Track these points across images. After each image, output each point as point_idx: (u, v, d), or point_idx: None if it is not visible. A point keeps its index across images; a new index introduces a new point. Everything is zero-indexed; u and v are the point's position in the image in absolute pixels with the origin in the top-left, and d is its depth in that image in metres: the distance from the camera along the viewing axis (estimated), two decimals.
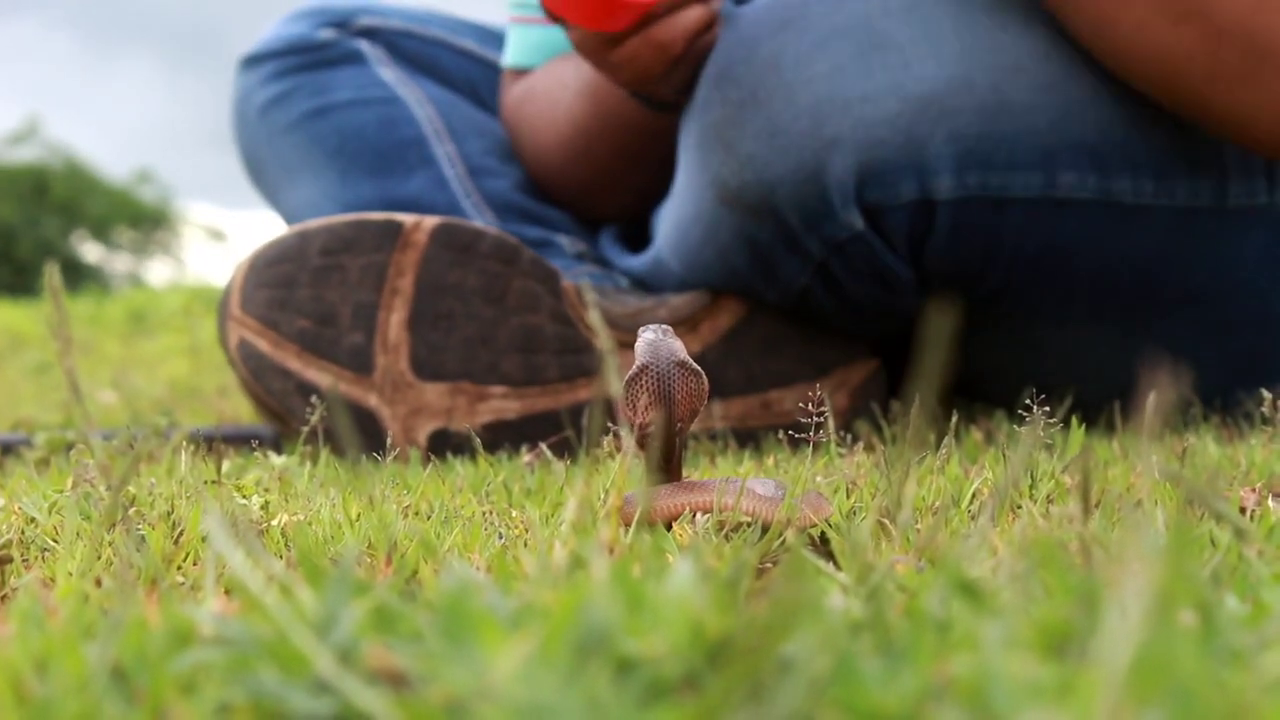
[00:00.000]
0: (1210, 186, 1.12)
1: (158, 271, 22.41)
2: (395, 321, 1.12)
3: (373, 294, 1.12)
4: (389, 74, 1.43)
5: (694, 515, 0.65)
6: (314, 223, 1.14)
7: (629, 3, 1.02)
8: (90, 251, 21.80)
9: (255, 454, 0.89)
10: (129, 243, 22.43)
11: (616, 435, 0.80)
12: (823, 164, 1.04)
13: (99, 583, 0.53)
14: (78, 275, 19.45)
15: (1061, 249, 1.10)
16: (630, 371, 0.67)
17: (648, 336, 0.68)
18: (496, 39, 1.55)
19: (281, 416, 1.15)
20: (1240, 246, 1.15)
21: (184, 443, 0.90)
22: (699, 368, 0.67)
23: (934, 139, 1.01)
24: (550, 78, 1.34)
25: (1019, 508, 0.67)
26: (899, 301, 1.14)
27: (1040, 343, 1.21)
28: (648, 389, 0.66)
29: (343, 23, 1.44)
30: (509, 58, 1.38)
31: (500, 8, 1.45)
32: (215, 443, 0.90)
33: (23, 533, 0.65)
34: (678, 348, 0.67)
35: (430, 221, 1.14)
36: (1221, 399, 1.16)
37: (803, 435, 0.78)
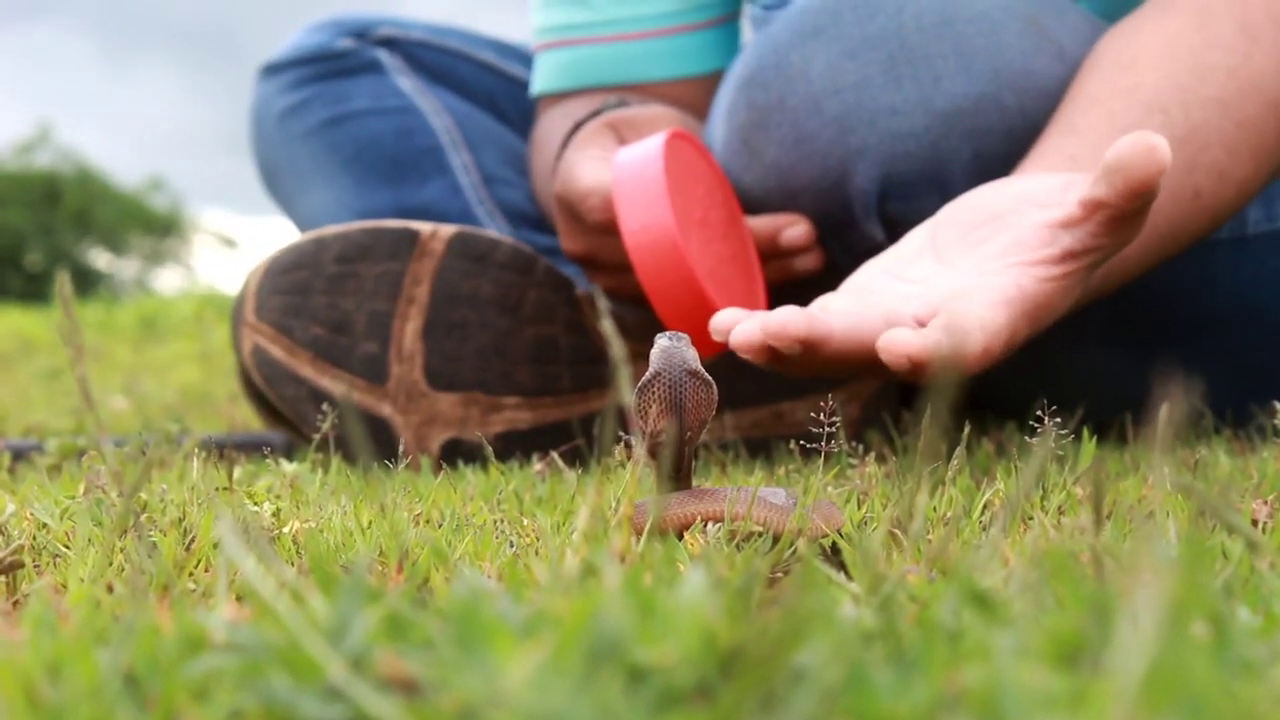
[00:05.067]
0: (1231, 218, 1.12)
1: (167, 279, 22.48)
2: (410, 331, 1.12)
3: (388, 302, 1.12)
4: (407, 84, 1.43)
5: (705, 524, 0.65)
6: (330, 229, 1.14)
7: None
8: (100, 258, 21.86)
9: (267, 461, 0.89)
10: (140, 250, 22.49)
11: (628, 444, 0.80)
12: (846, 174, 1.03)
13: (111, 589, 0.53)
14: (88, 281, 19.52)
15: None
16: (642, 379, 0.67)
17: (662, 343, 0.68)
18: (516, 54, 1.55)
19: (291, 423, 1.15)
20: (1258, 272, 1.14)
21: (195, 449, 0.90)
22: (710, 378, 0.67)
23: (959, 156, 1.01)
24: (550, 133, 1.33)
25: (1031, 519, 0.67)
26: None
27: (1053, 362, 1.21)
28: (658, 396, 0.66)
29: (362, 33, 1.45)
30: (536, 85, 1.37)
31: (519, 26, 1.44)
32: (227, 449, 0.90)
33: (34, 539, 0.65)
34: (691, 356, 0.67)
35: (447, 230, 1.14)
36: (1234, 412, 1.16)
37: (814, 445, 0.78)
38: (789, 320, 0.77)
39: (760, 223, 1.10)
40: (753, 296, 1.09)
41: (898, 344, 0.75)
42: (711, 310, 0.99)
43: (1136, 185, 0.76)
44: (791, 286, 1.15)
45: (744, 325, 0.81)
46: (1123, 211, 0.79)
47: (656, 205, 0.98)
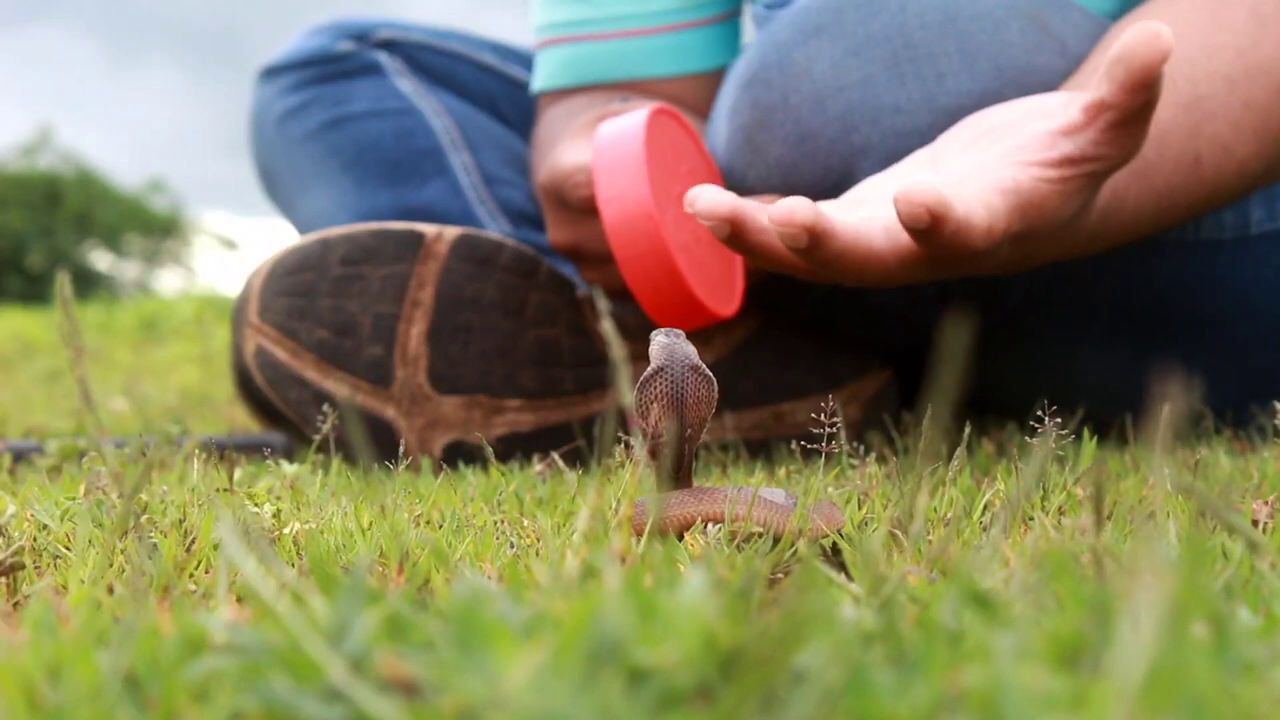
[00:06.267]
0: (1234, 217, 1.12)
1: (167, 280, 22.50)
2: (415, 334, 1.12)
3: (393, 306, 1.12)
4: (407, 85, 1.43)
5: (705, 525, 0.65)
6: (335, 231, 1.13)
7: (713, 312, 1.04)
8: (100, 259, 21.87)
9: (267, 462, 0.89)
10: (139, 251, 22.51)
11: (628, 445, 0.80)
12: (850, 172, 1.03)
13: (111, 590, 0.53)
14: (88, 283, 19.54)
15: (1080, 274, 1.10)
16: (644, 374, 0.67)
17: (661, 340, 0.68)
18: (516, 55, 1.55)
19: (289, 423, 1.15)
20: (1260, 271, 1.14)
21: (196, 450, 0.90)
22: (710, 374, 0.68)
23: None
24: (550, 129, 1.33)
25: (1031, 519, 0.67)
26: (918, 312, 1.13)
27: (1055, 361, 1.21)
28: (661, 392, 0.66)
29: (362, 35, 1.45)
30: (537, 83, 1.37)
31: (519, 28, 1.44)
32: (227, 451, 0.90)
33: (35, 540, 0.65)
34: (691, 352, 0.67)
35: (451, 232, 1.14)
36: (1234, 412, 1.16)
37: (815, 446, 0.78)
38: (796, 208, 0.76)
39: None
40: (729, 279, 1.09)
41: (916, 193, 0.74)
42: (683, 286, 0.99)
43: (1140, 74, 0.76)
44: (773, 278, 1.15)
45: (713, 193, 0.80)
46: (1126, 110, 0.78)
47: (633, 174, 0.98)
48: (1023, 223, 0.80)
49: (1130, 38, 0.76)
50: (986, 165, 0.83)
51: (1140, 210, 0.96)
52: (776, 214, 0.76)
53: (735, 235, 0.80)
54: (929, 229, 0.74)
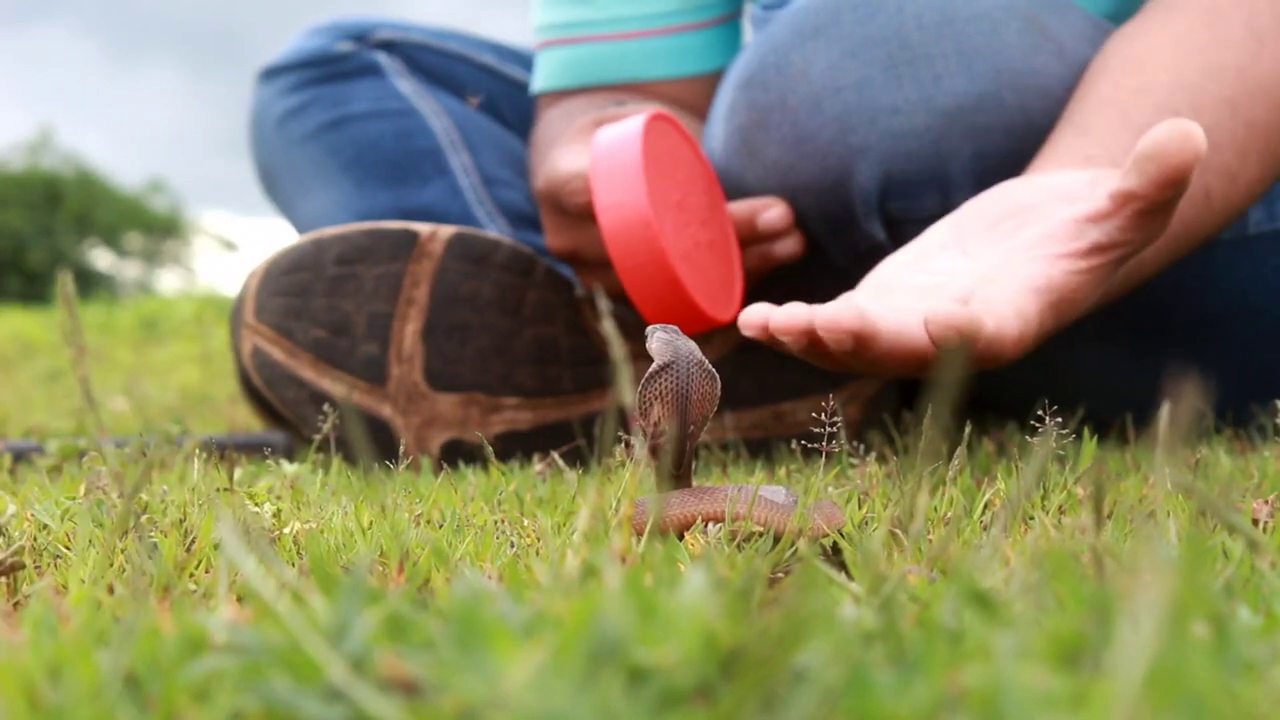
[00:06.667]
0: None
1: (167, 280, 22.52)
2: (410, 332, 1.12)
3: (388, 304, 1.12)
4: (406, 86, 1.43)
5: (706, 524, 0.65)
6: (329, 231, 1.13)
7: (714, 318, 1.05)
8: (100, 259, 21.89)
9: (267, 462, 0.89)
10: (139, 251, 22.53)
11: (628, 444, 0.80)
12: (847, 173, 1.03)
13: (111, 590, 0.53)
14: (88, 283, 19.56)
15: None
16: (651, 369, 0.67)
17: (663, 336, 0.68)
18: (515, 56, 1.55)
19: (291, 424, 1.15)
20: (1258, 271, 1.14)
21: (196, 450, 0.90)
22: (714, 370, 0.68)
23: (960, 155, 1.01)
24: (549, 131, 1.33)
25: (1031, 519, 0.67)
26: None
27: (1055, 361, 1.21)
28: (666, 388, 0.66)
29: (361, 36, 1.44)
30: (537, 83, 1.37)
31: (519, 29, 1.44)
32: (227, 450, 0.90)
33: (35, 540, 0.65)
34: (695, 348, 0.67)
35: (446, 231, 1.14)
36: (1234, 411, 1.16)
37: (815, 445, 0.78)
38: (840, 313, 0.76)
39: (738, 207, 1.10)
40: (727, 285, 1.09)
41: (956, 317, 0.74)
42: (683, 293, 0.99)
43: (1171, 173, 0.76)
44: (772, 277, 1.15)
45: (787, 310, 0.80)
46: (1153, 203, 0.78)
47: (631, 181, 0.98)
48: (1055, 320, 0.81)
49: (1163, 135, 0.76)
50: (1015, 259, 0.83)
51: (1159, 259, 0.97)
52: (821, 318, 0.77)
53: (811, 346, 0.81)
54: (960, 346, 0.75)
